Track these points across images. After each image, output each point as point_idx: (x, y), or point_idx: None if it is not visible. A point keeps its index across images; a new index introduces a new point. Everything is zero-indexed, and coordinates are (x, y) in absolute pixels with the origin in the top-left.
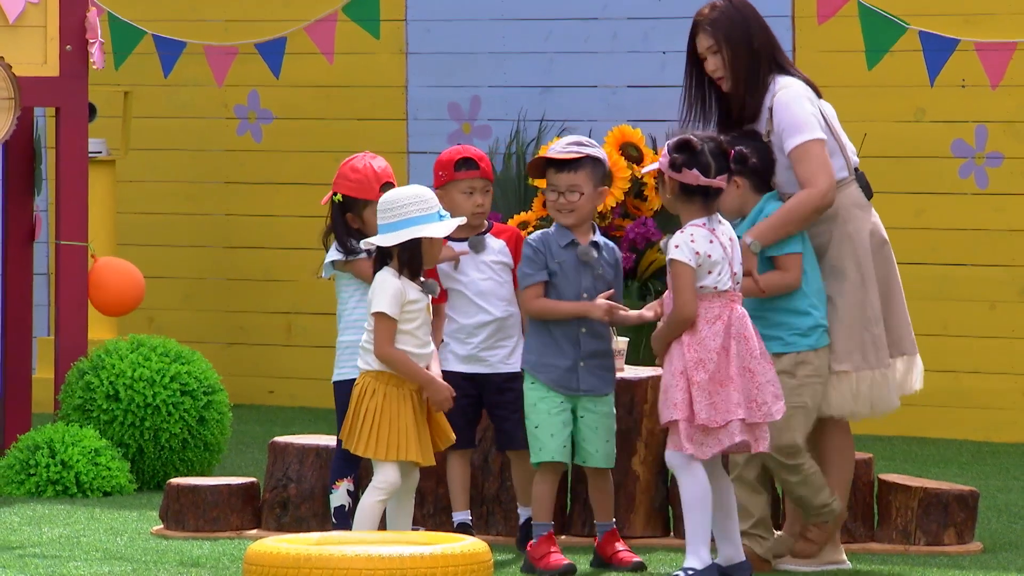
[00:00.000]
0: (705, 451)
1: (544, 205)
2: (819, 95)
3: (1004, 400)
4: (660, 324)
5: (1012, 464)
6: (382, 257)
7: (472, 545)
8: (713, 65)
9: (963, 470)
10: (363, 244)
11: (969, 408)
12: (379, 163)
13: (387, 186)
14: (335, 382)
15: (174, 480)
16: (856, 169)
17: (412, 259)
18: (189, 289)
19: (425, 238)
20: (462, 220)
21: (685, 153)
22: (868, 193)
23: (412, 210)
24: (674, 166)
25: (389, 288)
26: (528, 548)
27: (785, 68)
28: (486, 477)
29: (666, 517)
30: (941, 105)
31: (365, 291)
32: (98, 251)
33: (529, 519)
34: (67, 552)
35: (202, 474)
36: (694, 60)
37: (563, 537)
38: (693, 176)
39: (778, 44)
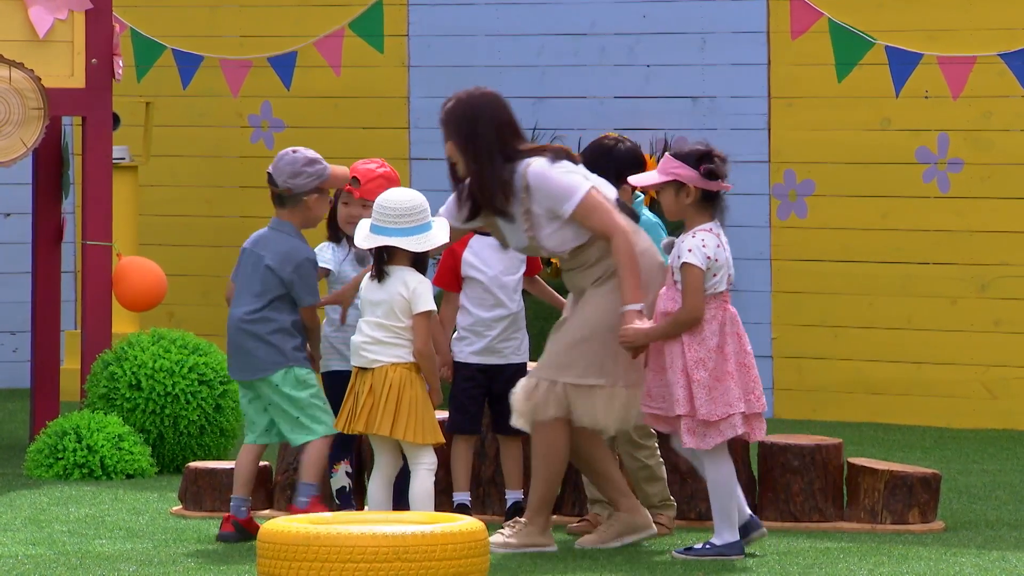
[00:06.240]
0: (708, 442)
1: None
2: (566, 157)
3: (964, 389)
4: (651, 326)
5: (971, 449)
6: (383, 255)
7: (469, 524)
8: (448, 151)
9: (926, 454)
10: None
11: (932, 397)
12: (383, 169)
13: (354, 181)
14: (323, 373)
15: (192, 464)
16: (617, 200)
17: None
18: (206, 286)
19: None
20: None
21: (713, 163)
22: (634, 217)
23: (402, 222)
24: (710, 176)
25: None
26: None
27: (520, 155)
28: (483, 461)
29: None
30: (906, 115)
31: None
32: (121, 251)
33: (516, 502)
34: (92, 530)
35: (218, 458)
36: None
37: (554, 517)
38: (717, 185)
39: (512, 133)
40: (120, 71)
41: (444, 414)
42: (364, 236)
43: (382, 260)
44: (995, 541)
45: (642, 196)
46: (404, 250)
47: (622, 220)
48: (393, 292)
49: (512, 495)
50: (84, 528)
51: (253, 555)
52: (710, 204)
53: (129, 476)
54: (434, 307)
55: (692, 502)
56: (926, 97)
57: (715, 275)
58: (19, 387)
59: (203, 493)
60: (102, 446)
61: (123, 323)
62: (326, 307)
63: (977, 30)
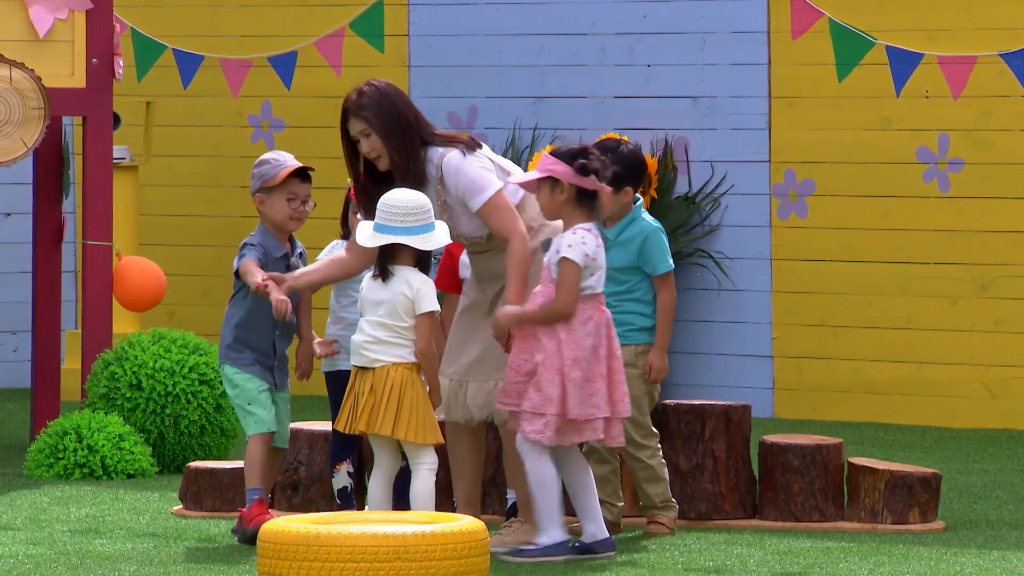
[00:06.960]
0: (566, 440)
1: None
2: (478, 148)
3: (964, 389)
4: (523, 309)
5: (971, 449)
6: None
7: (469, 524)
8: (368, 147)
9: (926, 454)
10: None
11: (932, 396)
12: None
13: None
14: (325, 372)
15: (193, 463)
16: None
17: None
18: (207, 286)
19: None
20: (445, 241)
21: (587, 159)
22: None
23: (409, 220)
24: (583, 171)
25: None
26: (240, 511)
27: (437, 140)
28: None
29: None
30: (906, 114)
31: (353, 288)
32: (122, 251)
33: (516, 503)
34: (92, 530)
35: (219, 458)
36: (350, 143)
37: None
38: (591, 182)
39: (424, 120)
40: (120, 71)
41: None
42: (368, 235)
43: (386, 259)
44: (995, 541)
45: (641, 199)
46: (408, 250)
47: (522, 224)
48: (396, 292)
49: (513, 495)
50: (84, 528)
51: (253, 555)
52: (587, 204)
53: (129, 476)
54: (438, 307)
55: (692, 502)
56: (926, 97)
57: (592, 275)
58: (19, 387)
59: (203, 493)
60: (102, 446)
61: (123, 323)
62: (332, 304)
63: (977, 30)
